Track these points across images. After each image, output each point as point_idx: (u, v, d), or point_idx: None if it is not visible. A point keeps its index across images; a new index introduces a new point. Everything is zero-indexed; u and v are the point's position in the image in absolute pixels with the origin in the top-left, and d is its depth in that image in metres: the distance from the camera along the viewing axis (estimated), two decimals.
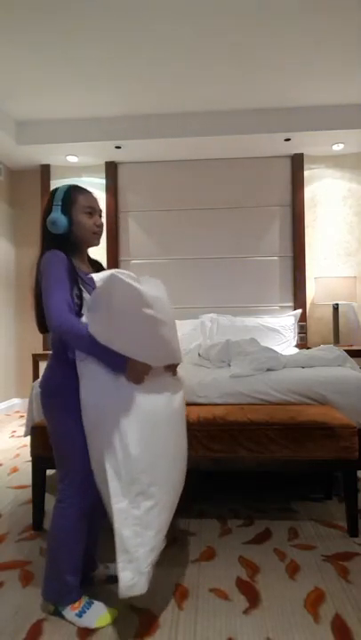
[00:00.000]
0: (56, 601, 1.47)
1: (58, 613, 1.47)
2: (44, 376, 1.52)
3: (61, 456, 1.48)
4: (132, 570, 1.31)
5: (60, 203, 1.49)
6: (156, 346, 1.44)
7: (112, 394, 1.38)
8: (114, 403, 1.37)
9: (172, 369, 1.57)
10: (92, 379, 1.39)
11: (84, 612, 1.43)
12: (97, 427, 1.38)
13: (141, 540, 1.33)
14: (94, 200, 1.56)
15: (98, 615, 1.43)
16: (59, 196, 1.50)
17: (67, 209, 1.49)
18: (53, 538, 1.47)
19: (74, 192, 1.52)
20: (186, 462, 1.62)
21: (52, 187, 4.75)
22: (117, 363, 1.38)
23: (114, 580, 1.63)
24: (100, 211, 1.58)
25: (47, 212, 1.51)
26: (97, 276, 1.30)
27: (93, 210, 1.54)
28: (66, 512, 1.46)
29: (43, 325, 1.52)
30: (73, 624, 1.43)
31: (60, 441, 1.47)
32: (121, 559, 1.31)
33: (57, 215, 1.47)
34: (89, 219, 1.52)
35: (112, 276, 1.31)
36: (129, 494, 1.34)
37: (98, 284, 1.30)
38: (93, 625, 1.41)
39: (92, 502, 1.49)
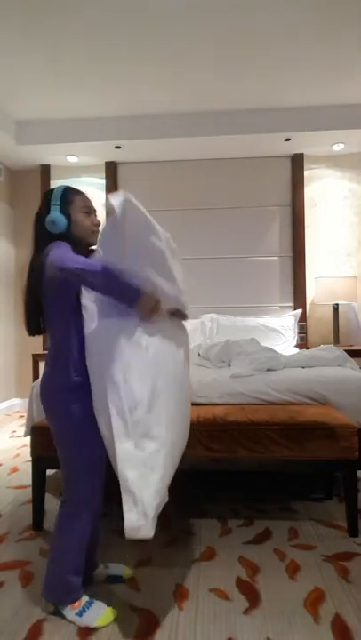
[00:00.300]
0: (57, 601, 1.46)
1: (58, 613, 1.47)
2: (44, 377, 1.52)
3: (65, 459, 1.48)
4: (138, 512, 1.29)
5: (58, 202, 1.50)
6: (165, 280, 1.45)
7: (116, 338, 1.38)
8: (118, 347, 1.37)
9: (178, 316, 1.57)
10: (98, 332, 1.40)
11: (85, 611, 1.43)
12: (100, 368, 1.37)
13: (146, 483, 1.31)
14: (89, 200, 1.59)
15: (98, 614, 1.43)
16: (56, 196, 1.51)
17: (65, 208, 1.51)
18: (58, 538, 1.47)
19: (70, 193, 1.54)
20: (190, 413, 1.62)
21: (53, 187, 4.75)
22: (131, 295, 1.36)
23: (113, 579, 1.63)
24: (96, 210, 1.61)
25: (43, 212, 1.52)
26: (112, 197, 1.32)
27: (90, 209, 1.57)
28: (70, 513, 1.46)
29: (32, 328, 1.52)
30: (73, 623, 1.43)
31: (63, 444, 1.47)
32: (125, 499, 1.29)
33: (56, 214, 1.48)
34: (87, 218, 1.54)
35: (127, 198, 1.33)
36: (133, 435, 1.33)
37: (113, 205, 1.31)
38: (94, 624, 1.41)
39: (98, 504, 1.49)
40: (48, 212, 1.50)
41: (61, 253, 1.38)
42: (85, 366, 1.45)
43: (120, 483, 1.30)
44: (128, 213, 1.35)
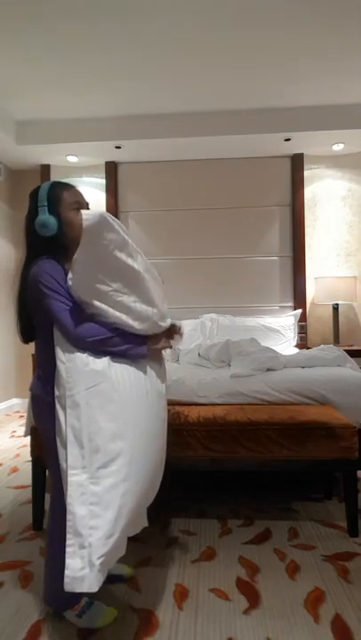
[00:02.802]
0: (58, 608, 1.45)
1: (58, 614, 1.47)
2: (32, 382, 1.48)
3: (49, 457, 1.43)
4: (83, 558, 1.13)
5: (45, 203, 1.38)
6: (140, 302, 1.37)
7: (85, 362, 1.29)
8: (85, 370, 1.28)
9: (166, 336, 1.51)
10: (67, 354, 1.31)
11: (84, 612, 1.43)
12: (63, 389, 1.27)
13: (97, 523, 1.15)
14: (79, 194, 1.45)
15: (97, 615, 1.43)
16: (42, 195, 1.39)
17: (53, 209, 1.39)
18: (48, 541, 1.45)
19: (57, 189, 1.42)
20: (165, 452, 1.50)
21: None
22: (140, 349, 1.36)
23: (114, 579, 1.63)
24: (88, 204, 1.47)
25: (31, 215, 1.42)
26: (86, 214, 1.22)
27: (81, 204, 1.44)
28: (56, 519, 1.39)
29: (25, 335, 1.49)
30: (74, 624, 1.43)
31: (46, 446, 1.42)
32: (71, 542, 1.15)
33: (45, 217, 1.37)
34: (78, 215, 1.38)
35: (102, 215, 1.24)
36: (90, 466, 1.19)
37: (86, 223, 1.21)
38: (93, 625, 1.41)
39: None
40: (37, 214, 1.40)
41: (57, 309, 1.31)
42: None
43: (67, 521, 1.17)
44: (103, 233, 1.26)
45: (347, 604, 1.51)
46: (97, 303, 1.30)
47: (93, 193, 4.72)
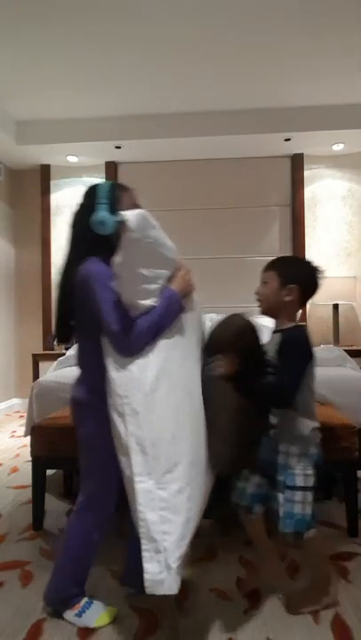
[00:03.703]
0: (57, 608, 1.46)
1: (57, 613, 1.47)
2: (78, 390, 1.43)
3: (87, 466, 1.43)
4: (161, 562, 1.15)
5: (105, 201, 1.36)
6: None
7: (139, 365, 1.27)
8: (140, 376, 1.25)
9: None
10: (120, 359, 1.28)
11: (84, 611, 1.43)
12: (120, 397, 1.26)
13: (169, 527, 1.16)
14: (136, 197, 1.45)
15: (97, 615, 1.43)
16: (102, 193, 1.37)
17: (112, 208, 1.36)
18: (65, 544, 1.45)
19: (117, 189, 1.41)
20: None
21: (53, 187, 4.76)
22: (173, 304, 1.31)
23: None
24: (141, 208, 1.45)
25: (86, 210, 1.38)
26: (127, 214, 1.21)
27: (138, 207, 1.41)
28: (81, 523, 1.43)
29: (62, 336, 1.46)
30: (73, 624, 1.43)
31: (89, 450, 1.43)
32: (146, 547, 1.16)
33: (104, 214, 1.34)
34: None
35: (143, 214, 1.24)
36: (155, 472, 1.19)
37: (131, 223, 1.20)
38: (92, 624, 1.41)
39: (108, 506, 1.44)
40: (92, 210, 1.36)
41: (106, 311, 1.26)
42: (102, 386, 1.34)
43: (139, 527, 1.18)
44: (146, 231, 1.25)
45: (347, 604, 1.51)
46: (143, 302, 1.27)
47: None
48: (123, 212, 1.23)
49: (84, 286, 1.31)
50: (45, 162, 4.70)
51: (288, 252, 4.55)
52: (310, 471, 1.44)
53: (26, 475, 2.79)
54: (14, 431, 3.94)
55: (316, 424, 1.48)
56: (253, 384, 1.38)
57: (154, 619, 1.46)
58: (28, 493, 2.48)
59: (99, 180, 4.70)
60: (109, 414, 1.29)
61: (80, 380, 1.43)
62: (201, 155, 4.54)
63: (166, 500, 1.18)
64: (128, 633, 1.39)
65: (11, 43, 3.07)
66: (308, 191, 4.54)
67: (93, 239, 1.37)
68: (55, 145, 4.28)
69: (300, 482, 1.42)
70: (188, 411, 1.29)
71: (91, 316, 1.31)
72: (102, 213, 1.35)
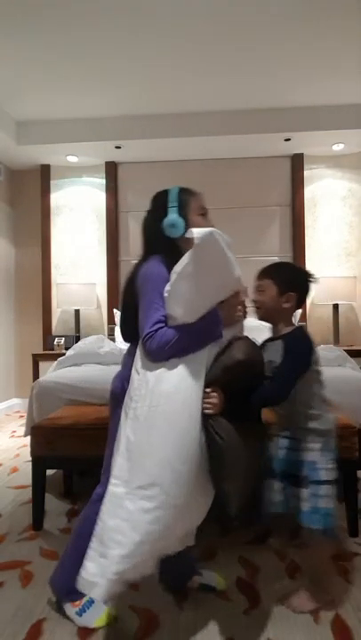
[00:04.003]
0: (60, 593, 1.47)
1: (59, 606, 1.47)
2: (117, 383, 1.45)
3: (109, 457, 1.36)
4: (99, 565, 1.15)
5: (175, 204, 1.42)
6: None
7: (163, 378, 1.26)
8: (153, 392, 1.25)
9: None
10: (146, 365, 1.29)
11: (85, 610, 1.43)
12: (131, 401, 1.27)
13: (122, 539, 1.14)
14: (204, 200, 1.50)
15: (97, 615, 1.43)
16: (173, 197, 1.43)
17: (182, 211, 1.42)
18: (77, 535, 1.45)
19: (186, 193, 1.47)
20: (211, 493, 1.37)
21: (53, 187, 4.76)
22: (213, 327, 1.30)
23: (206, 588, 1.57)
24: (208, 212, 1.51)
25: (158, 214, 1.44)
26: (197, 231, 1.24)
27: (205, 210, 1.49)
28: (95, 513, 1.32)
29: (125, 334, 1.48)
30: (72, 621, 1.43)
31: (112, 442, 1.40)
32: (94, 546, 1.18)
33: (175, 217, 1.40)
34: (203, 220, 1.46)
35: (212, 234, 1.25)
36: (130, 482, 1.18)
37: (198, 240, 1.22)
38: (92, 624, 1.41)
39: None
40: (163, 214, 1.42)
41: (147, 315, 1.28)
42: None
43: (96, 524, 1.19)
44: (211, 250, 1.26)
45: (347, 604, 1.51)
46: (183, 319, 1.27)
47: (93, 193, 4.73)
48: (192, 230, 1.26)
49: (141, 285, 1.35)
50: (45, 162, 4.70)
51: (288, 252, 4.55)
52: (332, 465, 1.46)
53: (26, 475, 2.79)
54: (14, 431, 3.94)
55: (333, 416, 1.52)
56: (246, 404, 1.39)
57: (154, 619, 1.46)
58: (28, 493, 2.48)
59: (100, 180, 4.71)
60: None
61: (120, 376, 1.46)
62: (201, 155, 4.54)
63: (130, 513, 1.16)
64: (128, 633, 1.39)
65: (11, 43, 3.07)
66: (308, 191, 4.54)
67: (163, 241, 1.41)
68: (55, 145, 4.28)
69: (324, 476, 1.44)
70: (188, 437, 1.23)
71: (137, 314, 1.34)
72: (173, 216, 1.39)
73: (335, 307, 4.24)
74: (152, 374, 1.26)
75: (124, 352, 1.51)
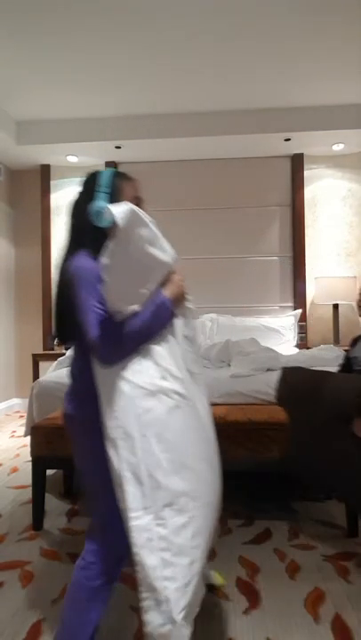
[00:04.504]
0: None
1: None
2: (69, 403, 1.25)
3: (92, 488, 1.22)
4: (162, 613, 0.99)
5: (107, 190, 1.23)
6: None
7: (130, 382, 1.12)
8: (132, 393, 1.11)
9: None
10: (109, 376, 1.14)
11: None
12: (111, 419, 1.11)
13: (172, 572, 1.00)
14: (139, 188, 1.33)
15: None
16: (104, 181, 1.24)
17: (113, 199, 1.22)
18: (73, 599, 1.18)
19: (120, 179, 1.28)
20: (220, 468, 1.30)
21: (53, 187, 4.76)
22: (163, 310, 1.18)
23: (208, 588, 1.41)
24: (144, 202, 1.34)
25: (84, 198, 1.25)
26: (116, 210, 1.07)
27: (140, 199, 1.31)
28: (89, 573, 1.17)
29: (61, 335, 1.30)
30: None
31: (89, 473, 1.22)
32: (146, 596, 1.00)
33: (103, 204, 1.19)
34: None
35: (133, 210, 1.10)
36: (153, 505, 1.03)
37: (122, 220, 1.07)
38: None
39: (117, 563, 1.20)
40: (91, 199, 1.23)
41: (84, 297, 1.13)
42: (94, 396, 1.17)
43: (136, 572, 1.01)
44: (135, 230, 1.12)
45: (347, 604, 1.51)
46: (130, 308, 1.14)
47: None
48: (110, 206, 1.09)
49: (72, 285, 1.18)
50: (45, 162, 4.70)
51: (288, 253, 4.55)
52: None
53: (26, 475, 2.79)
54: (14, 431, 3.94)
55: None
56: None
57: None
58: (28, 493, 2.48)
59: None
60: (105, 435, 1.13)
61: (71, 391, 1.26)
62: (201, 155, 4.54)
63: (167, 539, 1.02)
64: (128, 633, 1.39)
65: (11, 43, 3.07)
66: (308, 191, 4.54)
67: (91, 231, 1.22)
68: (55, 145, 4.28)
69: None
70: (194, 431, 1.15)
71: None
72: (101, 203, 1.20)
73: (335, 307, 4.24)
74: (124, 381, 1.11)
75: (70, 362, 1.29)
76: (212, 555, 1.83)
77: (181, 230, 4.57)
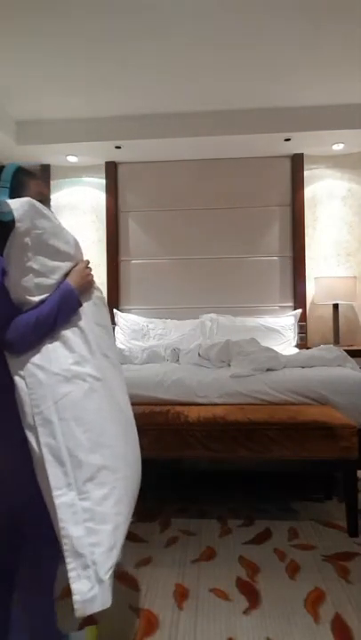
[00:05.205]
0: None
1: None
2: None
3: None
4: (90, 577, 1.06)
5: (7, 185, 1.23)
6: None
7: (41, 364, 1.17)
8: (43, 376, 1.16)
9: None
10: (21, 359, 1.18)
11: None
12: (26, 404, 1.14)
13: (97, 539, 1.09)
14: (45, 187, 1.36)
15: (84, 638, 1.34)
16: (7, 175, 1.24)
17: (15, 194, 1.23)
18: (26, 594, 1.23)
19: (24, 174, 1.29)
20: (138, 443, 1.39)
21: (53, 187, 4.75)
22: (69, 298, 1.21)
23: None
24: (50, 200, 1.38)
25: None
26: (13, 202, 1.12)
27: (45, 198, 1.32)
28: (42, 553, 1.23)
29: None
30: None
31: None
32: (73, 566, 1.06)
33: (4, 199, 1.20)
34: None
35: (30, 202, 1.15)
36: (75, 482, 1.11)
37: (18, 212, 1.11)
38: None
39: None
40: None
41: None
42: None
43: (62, 544, 1.07)
44: (35, 221, 1.17)
45: (347, 604, 1.51)
46: (35, 299, 1.18)
47: (93, 193, 4.72)
48: (7, 201, 1.13)
49: None
50: (45, 162, 4.70)
51: (288, 253, 4.54)
52: None
53: None
54: None
55: None
56: None
57: (154, 619, 1.46)
58: None
59: (100, 180, 4.70)
60: (22, 422, 1.15)
61: None
62: (201, 155, 4.54)
63: (90, 511, 1.10)
64: (128, 633, 1.39)
65: (11, 43, 3.07)
66: (308, 191, 4.54)
67: None
68: (55, 145, 4.28)
69: None
70: (109, 412, 1.23)
71: None
72: (2, 197, 1.21)
73: (335, 307, 4.24)
74: (38, 369, 1.15)
75: None
76: (212, 554, 1.83)
77: (181, 230, 4.57)
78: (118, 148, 4.31)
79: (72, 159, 4.57)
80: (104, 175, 4.68)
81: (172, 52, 3.20)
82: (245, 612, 1.48)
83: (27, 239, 1.15)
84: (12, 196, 1.22)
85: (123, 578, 1.67)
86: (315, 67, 3.40)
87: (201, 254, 4.58)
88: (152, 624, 1.43)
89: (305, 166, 4.51)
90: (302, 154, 4.48)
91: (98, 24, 2.89)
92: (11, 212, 1.14)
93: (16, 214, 1.12)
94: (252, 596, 1.56)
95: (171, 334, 4.13)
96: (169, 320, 4.31)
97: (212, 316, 4.26)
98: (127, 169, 4.70)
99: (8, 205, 1.12)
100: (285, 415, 2.07)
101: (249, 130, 4.07)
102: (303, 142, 4.24)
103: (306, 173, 4.52)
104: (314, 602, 1.53)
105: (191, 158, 4.59)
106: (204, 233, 4.59)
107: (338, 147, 4.31)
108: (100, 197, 4.69)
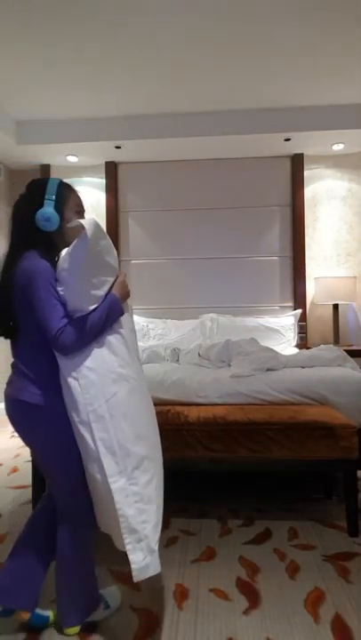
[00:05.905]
0: (84, 619, 1.42)
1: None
2: (29, 392, 1.36)
3: (56, 471, 1.40)
4: (143, 549, 1.27)
5: (53, 198, 1.38)
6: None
7: (97, 372, 1.34)
8: (100, 381, 1.33)
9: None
10: (78, 368, 1.34)
11: (107, 603, 1.48)
12: (82, 404, 1.31)
13: (147, 517, 1.30)
14: (81, 199, 1.50)
15: (113, 597, 1.52)
16: (51, 189, 1.39)
17: (59, 206, 1.39)
18: (70, 568, 1.40)
19: (65, 188, 1.44)
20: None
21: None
22: (114, 308, 1.38)
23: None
24: (85, 211, 1.51)
25: (33, 204, 1.40)
26: (85, 222, 1.29)
27: (82, 209, 1.48)
28: (69, 536, 1.40)
29: (5, 330, 1.40)
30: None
31: (54, 454, 1.38)
32: (129, 540, 1.27)
33: (51, 211, 1.36)
34: (77, 218, 1.42)
35: (96, 223, 1.32)
36: (125, 470, 1.30)
37: (90, 231, 1.28)
38: (117, 605, 1.51)
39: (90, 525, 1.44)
40: (36, 204, 1.39)
41: (47, 312, 1.29)
42: (55, 385, 1.36)
43: (120, 523, 1.27)
44: (99, 240, 1.33)
45: (347, 604, 1.51)
46: (90, 307, 1.34)
47: (93, 193, 4.72)
48: (81, 220, 1.31)
49: (27, 282, 1.31)
50: (45, 162, 4.70)
51: (288, 253, 4.55)
52: None
53: (26, 475, 2.80)
54: (14, 431, 3.94)
55: None
56: None
57: (154, 619, 1.46)
58: (28, 493, 2.49)
59: (100, 180, 4.70)
60: (71, 420, 1.34)
61: (26, 380, 1.37)
62: (201, 155, 4.54)
63: (139, 494, 1.30)
64: (128, 633, 1.39)
65: (11, 43, 3.07)
66: (308, 191, 4.54)
67: (34, 234, 1.39)
68: (55, 145, 4.28)
69: None
70: (145, 408, 1.44)
71: (33, 314, 1.33)
72: (49, 210, 1.37)
73: (335, 307, 4.24)
74: (91, 371, 1.33)
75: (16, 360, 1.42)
76: (212, 554, 1.83)
77: (181, 230, 4.57)
78: (118, 148, 4.31)
79: (72, 159, 4.57)
80: (104, 175, 4.68)
81: (172, 52, 3.20)
82: (245, 612, 1.48)
83: (92, 256, 1.31)
84: (56, 208, 1.38)
85: (123, 578, 1.67)
86: (315, 67, 3.41)
87: (201, 254, 4.58)
88: (152, 624, 1.43)
89: (305, 166, 4.52)
90: (302, 154, 4.49)
91: (98, 24, 2.89)
92: (54, 223, 1.37)
93: (89, 233, 1.28)
94: (252, 596, 1.56)
95: (171, 334, 4.13)
96: (169, 320, 4.31)
97: (212, 315, 4.26)
98: (127, 169, 4.70)
99: (78, 222, 1.32)
100: (285, 415, 2.07)
101: (249, 130, 4.07)
102: (303, 142, 4.24)
103: (306, 173, 4.52)
104: (314, 602, 1.53)
105: (191, 158, 4.60)
106: (204, 233, 4.59)
107: (338, 147, 4.31)
108: (100, 197, 4.69)
